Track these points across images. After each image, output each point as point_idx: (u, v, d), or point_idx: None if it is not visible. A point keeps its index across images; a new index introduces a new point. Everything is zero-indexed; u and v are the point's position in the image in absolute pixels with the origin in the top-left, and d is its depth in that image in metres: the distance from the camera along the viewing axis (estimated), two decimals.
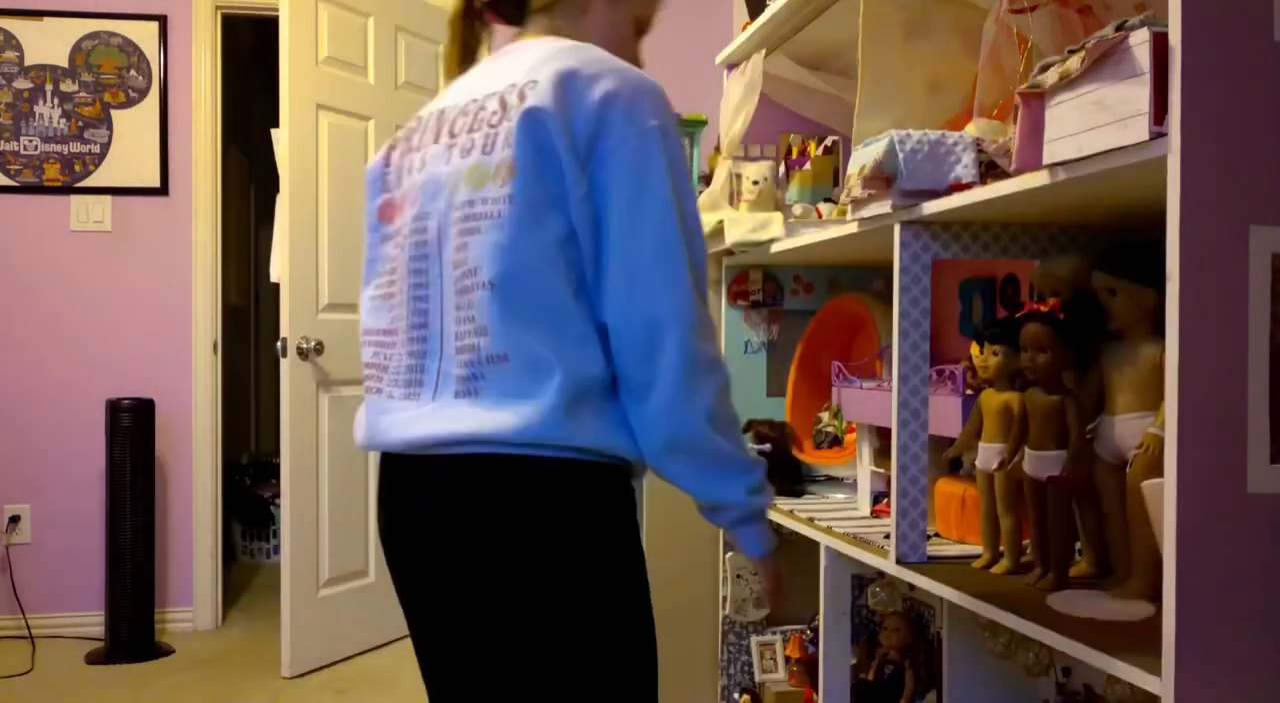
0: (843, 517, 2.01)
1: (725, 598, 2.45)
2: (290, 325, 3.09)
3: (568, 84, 1.11)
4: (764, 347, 2.54)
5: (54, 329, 3.53)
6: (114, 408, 3.33)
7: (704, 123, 2.76)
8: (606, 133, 1.11)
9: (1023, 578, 1.44)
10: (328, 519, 3.21)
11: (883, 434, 2.02)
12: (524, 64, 1.16)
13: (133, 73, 3.57)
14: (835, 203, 2.23)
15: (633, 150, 1.11)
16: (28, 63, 3.52)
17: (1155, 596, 1.21)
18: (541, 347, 1.09)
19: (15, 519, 3.50)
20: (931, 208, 1.47)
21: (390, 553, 1.24)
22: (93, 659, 3.25)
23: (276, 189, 3.16)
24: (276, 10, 3.12)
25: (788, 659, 2.38)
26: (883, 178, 1.52)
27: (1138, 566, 1.27)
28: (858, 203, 1.63)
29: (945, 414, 1.67)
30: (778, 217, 2.18)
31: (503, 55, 1.24)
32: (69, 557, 3.52)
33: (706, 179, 2.71)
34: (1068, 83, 1.14)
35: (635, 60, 1.31)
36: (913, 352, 1.56)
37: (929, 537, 1.69)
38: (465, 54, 1.31)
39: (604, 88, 1.11)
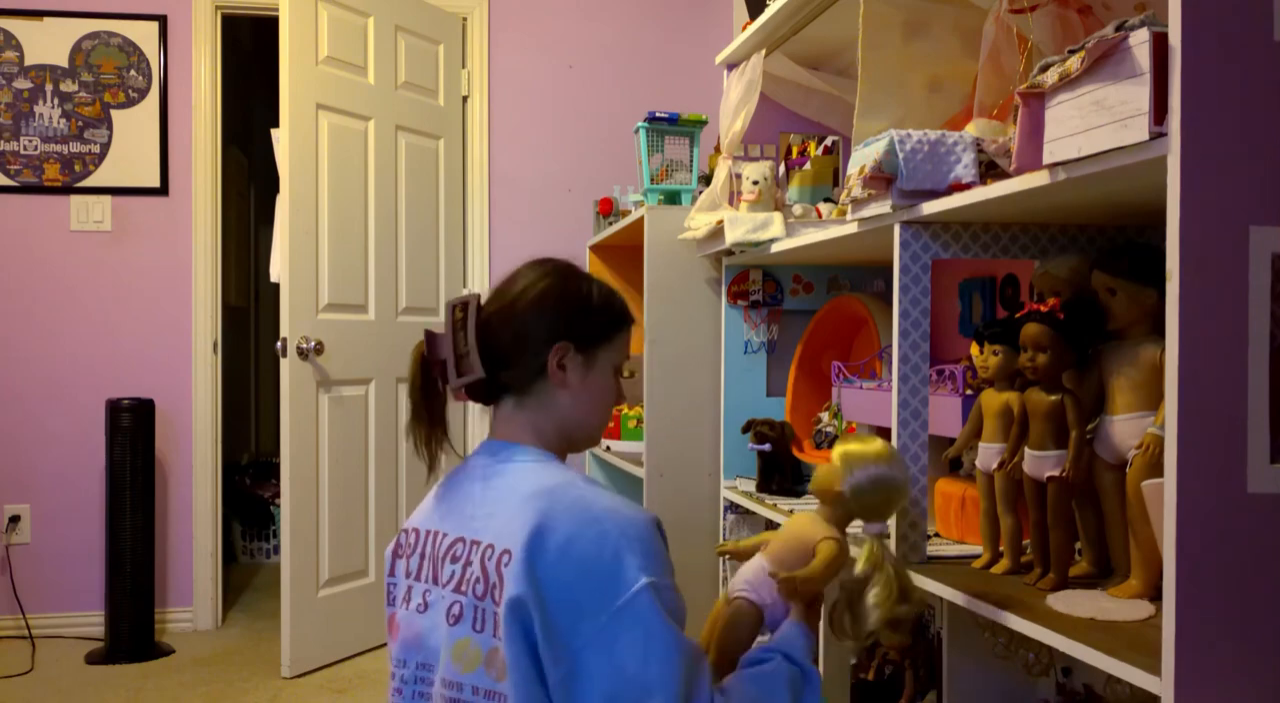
0: None
1: None
2: (290, 325, 3.09)
3: (539, 559, 1.08)
4: (764, 347, 2.54)
5: (54, 329, 3.53)
6: (114, 408, 3.33)
7: (704, 123, 2.77)
8: (584, 614, 1.07)
9: (1023, 578, 1.44)
10: (328, 519, 3.21)
11: (882, 434, 2.02)
12: (504, 510, 1.15)
13: (133, 73, 3.57)
14: (835, 203, 2.23)
15: (619, 636, 1.07)
16: (28, 63, 3.52)
17: (1155, 595, 1.21)
18: None
19: (15, 519, 3.50)
20: (931, 208, 1.47)
21: None
22: (93, 659, 3.25)
23: (276, 189, 3.16)
24: (276, 10, 3.12)
25: None
26: (883, 178, 1.52)
27: (1138, 565, 1.27)
28: (858, 203, 1.63)
29: (945, 414, 1.67)
30: (778, 216, 2.18)
31: (487, 478, 1.22)
32: (69, 557, 3.52)
33: (706, 179, 2.71)
34: (1068, 83, 1.14)
35: (616, 398, 1.31)
36: (913, 352, 1.56)
37: (929, 537, 1.69)
38: (434, 419, 1.28)
39: (578, 560, 1.08)
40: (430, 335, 1.27)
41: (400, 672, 1.22)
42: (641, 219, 2.64)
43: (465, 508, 1.21)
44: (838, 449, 1.34)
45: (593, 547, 1.09)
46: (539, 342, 1.23)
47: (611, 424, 3.10)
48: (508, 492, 1.18)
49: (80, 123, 3.54)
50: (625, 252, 3.36)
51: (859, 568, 1.28)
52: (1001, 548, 1.50)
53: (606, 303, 1.30)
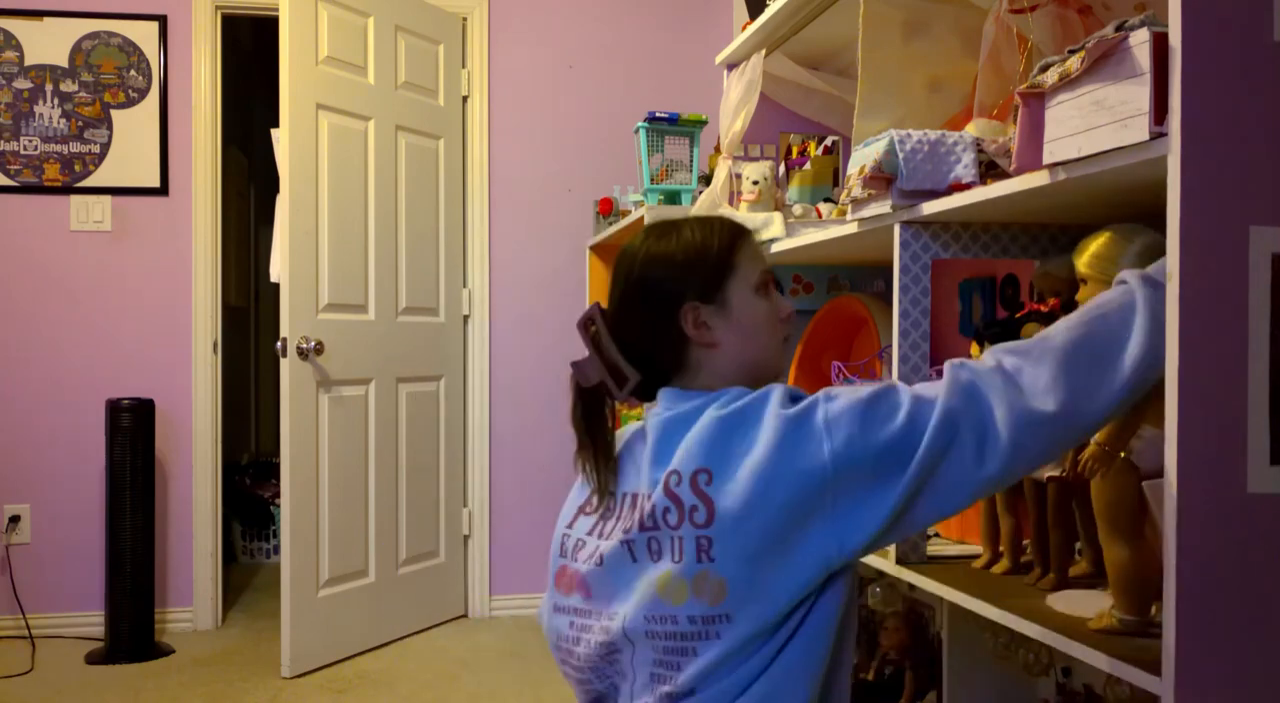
0: None
1: None
2: (290, 325, 3.09)
3: (727, 482, 1.06)
4: None
5: (54, 329, 3.53)
6: (114, 408, 3.33)
7: (704, 123, 2.77)
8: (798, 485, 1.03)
9: (1023, 578, 1.44)
10: (328, 519, 3.21)
11: None
12: (682, 442, 1.11)
13: (133, 73, 3.57)
14: (835, 203, 2.23)
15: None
16: (28, 63, 3.52)
17: (1156, 595, 1.20)
18: None
19: (15, 519, 3.50)
20: (931, 208, 1.47)
21: None
22: (93, 659, 3.25)
23: (276, 189, 3.16)
24: (276, 10, 3.12)
25: None
26: (883, 178, 1.52)
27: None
28: (858, 203, 1.63)
29: None
30: (778, 216, 2.18)
31: (657, 428, 1.16)
32: (69, 557, 3.52)
33: (706, 179, 2.72)
34: (1068, 83, 1.14)
35: (774, 316, 1.22)
36: (913, 352, 1.56)
37: (929, 537, 1.69)
38: (600, 443, 1.23)
39: (761, 453, 1.05)
40: (576, 365, 1.23)
41: (575, 621, 1.18)
42: (641, 219, 2.64)
43: (636, 464, 1.18)
44: (1083, 261, 1.21)
45: (767, 445, 1.06)
46: (665, 317, 1.18)
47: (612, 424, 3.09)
48: (685, 425, 1.13)
49: (80, 123, 3.54)
50: None
51: None
52: (1001, 548, 1.51)
53: (704, 242, 1.21)
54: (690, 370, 1.20)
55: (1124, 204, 1.34)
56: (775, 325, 1.23)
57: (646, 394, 1.23)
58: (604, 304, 1.25)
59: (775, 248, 2.15)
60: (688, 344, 1.19)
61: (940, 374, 1.69)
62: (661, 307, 1.18)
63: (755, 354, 1.20)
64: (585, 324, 1.23)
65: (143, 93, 3.58)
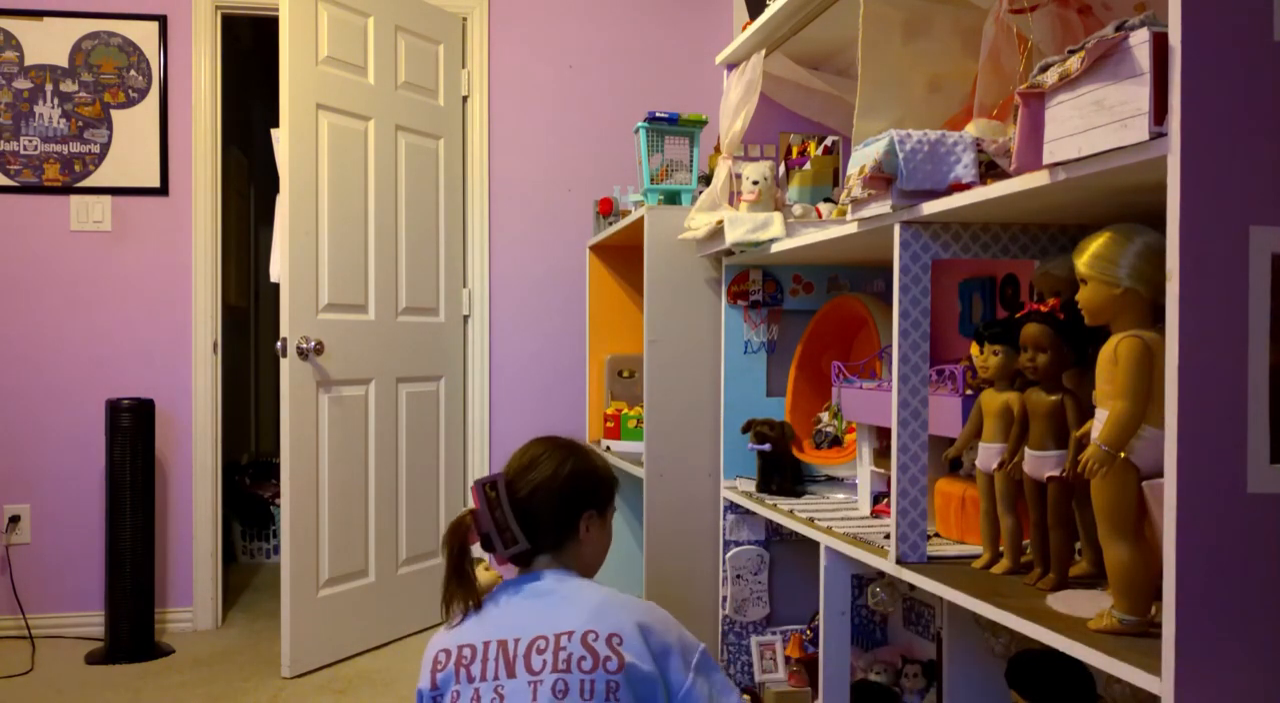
0: (843, 517, 2.01)
1: (725, 598, 2.45)
2: (290, 325, 3.09)
3: (650, 635, 1.40)
4: (764, 347, 2.54)
5: (54, 329, 3.53)
6: (114, 408, 3.33)
7: (704, 123, 2.77)
8: (691, 682, 1.41)
9: (1023, 578, 1.44)
10: (328, 519, 3.21)
11: (883, 434, 2.02)
12: (587, 608, 1.42)
13: (133, 73, 3.57)
14: (835, 203, 2.23)
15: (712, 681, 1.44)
16: (28, 63, 3.52)
17: (1155, 595, 1.20)
18: None
19: (15, 519, 3.50)
20: (931, 208, 1.47)
21: None
22: (93, 659, 3.25)
23: (276, 189, 3.16)
24: (276, 10, 3.12)
25: (788, 659, 2.38)
26: (883, 178, 1.52)
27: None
28: (858, 203, 1.63)
29: (945, 414, 1.67)
30: (778, 216, 2.18)
31: (544, 594, 1.47)
32: (69, 557, 3.52)
33: (706, 179, 2.71)
34: (1068, 83, 1.14)
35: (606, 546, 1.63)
36: (913, 352, 1.56)
37: (929, 537, 1.69)
38: (468, 588, 1.51)
39: (679, 642, 1.43)
40: (475, 513, 1.52)
41: None
42: (641, 219, 2.64)
43: (533, 617, 1.44)
44: (1083, 261, 1.21)
45: (668, 627, 1.45)
46: (574, 513, 1.54)
47: (611, 424, 3.10)
48: (581, 596, 1.45)
49: (80, 123, 3.54)
50: (625, 252, 3.36)
51: None
52: (1001, 548, 1.51)
53: (610, 472, 1.61)
54: (559, 552, 1.54)
55: (1124, 204, 1.34)
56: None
57: (521, 559, 1.53)
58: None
59: (775, 248, 2.15)
60: (573, 536, 1.54)
61: (940, 374, 1.69)
62: (577, 502, 1.54)
63: (598, 559, 1.60)
64: (488, 485, 1.50)
65: (143, 93, 3.58)
